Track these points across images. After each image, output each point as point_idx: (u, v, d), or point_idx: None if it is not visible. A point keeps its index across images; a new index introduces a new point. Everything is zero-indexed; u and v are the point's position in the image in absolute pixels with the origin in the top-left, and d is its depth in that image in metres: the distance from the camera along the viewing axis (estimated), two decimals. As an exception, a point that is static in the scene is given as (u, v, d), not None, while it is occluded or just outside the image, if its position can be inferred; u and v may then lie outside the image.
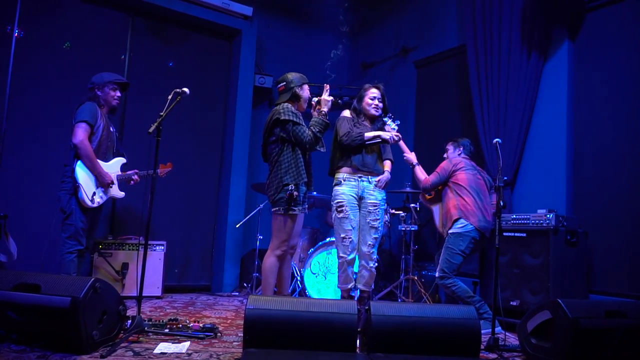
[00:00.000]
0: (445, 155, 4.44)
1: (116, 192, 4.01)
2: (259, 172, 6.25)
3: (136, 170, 4.12)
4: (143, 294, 3.22)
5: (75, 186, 3.70)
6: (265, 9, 6.36)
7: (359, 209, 3.81)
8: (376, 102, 3.89)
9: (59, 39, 4.95)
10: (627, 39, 4.17)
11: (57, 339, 2.70)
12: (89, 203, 3.76)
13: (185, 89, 3.39)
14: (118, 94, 3.99)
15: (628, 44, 4.16)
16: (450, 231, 4.02)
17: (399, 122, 3.87)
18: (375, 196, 3.81)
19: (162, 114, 3.29)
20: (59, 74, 4.89)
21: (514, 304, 4.00)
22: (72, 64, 4.93)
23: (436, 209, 4.43)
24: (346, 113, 3.96)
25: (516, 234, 4.11)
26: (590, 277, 4.14)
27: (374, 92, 3.92)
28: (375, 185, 3.81)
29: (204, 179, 5.79)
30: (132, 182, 4.12)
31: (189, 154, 5.62)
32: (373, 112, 3.89)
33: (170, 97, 3.35)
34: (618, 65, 4.22)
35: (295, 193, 3.64)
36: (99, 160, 3.82)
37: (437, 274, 4.03)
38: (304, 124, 3.73)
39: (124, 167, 4.10)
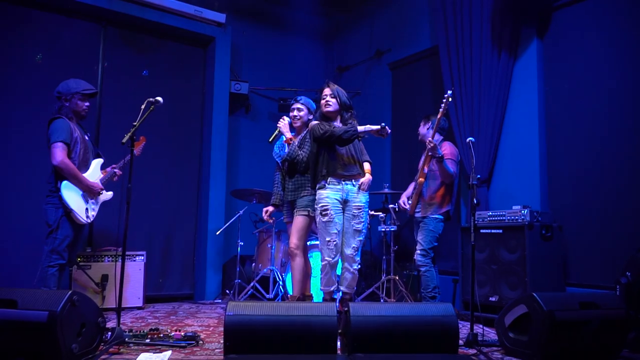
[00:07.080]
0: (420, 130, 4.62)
1: (105, 196, 3.99)
2: (238, 179, 6.25)
3: (113, 165, 4.06)
4: (124, 305, 3.21)
5: (67, 211, 3.64)
6: (239, 15, 6.37)
7: (343, 212, 3.84)
8: (327, 98, 3.91)
9: (30, 51, 4.88)
10: (592, 35, 4.28)
11: (36, 353, 2.67)
12: (85, 220, 3.75)
13: (159, 98, 3.36)
14: (87, 104, 3.88)
15: (594, 40, 4.26)
16: (433, 216, 4.41)
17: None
18: (359, 199, 3.83)
19: (135, 123, 3.27)
20: (31, 87, 4.82)
21: (493, 299, 4.07)
22: (45, 76, 4.85)
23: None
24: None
25: (493, 231, 4.18)
26: (566, 269, 4.23)
27: (324, 91, 3.96)
28: (359, 188, 3.84)
29: (182, 187, 5.76)
30: (115, 177, 4.05)
31: (166, 162, 5.60)
32: (323, 109, 3.91)
33: (143, 106, 3.32)
34: (586, 61, 4.31)
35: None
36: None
37: (420, 253, 4.39)
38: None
39: (103, 167, 4.04)
